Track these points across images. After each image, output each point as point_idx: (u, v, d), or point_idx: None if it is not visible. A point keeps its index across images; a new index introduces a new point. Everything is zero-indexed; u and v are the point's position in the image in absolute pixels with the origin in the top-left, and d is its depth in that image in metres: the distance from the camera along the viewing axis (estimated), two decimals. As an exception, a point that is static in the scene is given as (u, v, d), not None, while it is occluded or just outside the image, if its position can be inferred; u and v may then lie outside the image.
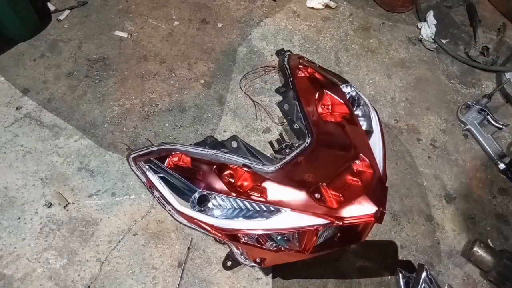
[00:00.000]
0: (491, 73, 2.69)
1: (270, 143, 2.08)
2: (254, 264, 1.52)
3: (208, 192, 1.35)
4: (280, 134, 2.14)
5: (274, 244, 1.36)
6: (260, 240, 1.36)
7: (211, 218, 1.31)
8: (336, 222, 1.23)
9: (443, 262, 1.94)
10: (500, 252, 1.89)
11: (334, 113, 1.74)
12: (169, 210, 1.38)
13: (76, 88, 2.19)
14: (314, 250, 1.32)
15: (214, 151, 1.60)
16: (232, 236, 1.30)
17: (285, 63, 2.18)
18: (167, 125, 2.13)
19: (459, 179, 2.21)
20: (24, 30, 2.30)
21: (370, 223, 1.31)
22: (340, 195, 1.30)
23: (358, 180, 1.36)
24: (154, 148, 1.58)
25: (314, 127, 1.75)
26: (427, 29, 2.73)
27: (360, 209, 1.24)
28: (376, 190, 1.34)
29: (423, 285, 1.60)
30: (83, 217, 1.82)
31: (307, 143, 1.69)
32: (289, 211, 1.27)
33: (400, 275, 1.70)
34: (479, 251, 1.87)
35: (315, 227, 1.25)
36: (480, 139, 2.32)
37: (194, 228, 1.38)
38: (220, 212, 1.34)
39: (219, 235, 1.31)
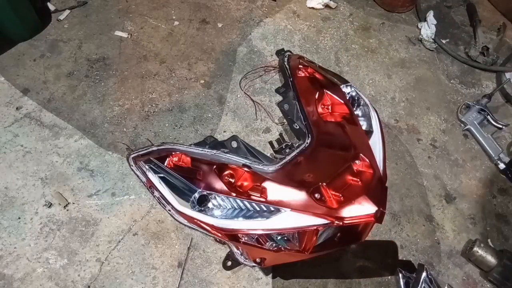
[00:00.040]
0: (491, 73, 2.69)
1: (270, 143, 2.08)
2: (254, 264, 1.52)
3: (208, 192, 1.35)
4: (280, 134, 2.14)
5: (274, 244, 1.36)
6: (260, 240, 1.36)
7: (211, 218, 1.31)
8: (336, 222, 1.23)
9: (443, 262, 1.94)
10: (500, 252, 1.89)
11: (334, 113, 1.74)
12: (169, 210, 1.38)
13: (76, 88, 2.19)
14: (314, 250, 1.32)
15: (214, 151, 1.60)
16: (232, 236, 1.30)
17: (285, 63, 2.18)
18: (167, 125, 2.13)
19: (459, 179, 2.21)
20: (24, 30, 2.30)
21: (370, 223, 1.31)
22: (340, 195, 1.30)
23: (358, 180, 1.36)
24: (154, 148, 1.58)
25: (314, 127, 1.75)
26: (427, 29, 2.73)
27: (360, 209, 1.24)
28: (376, 190, 1.34)
29: (423, 285, 1.59)
30: (83, 217, 1.82)
31: (307, 143, 1.69)
32: (289, 211, 1.27)
33: (400, 275, 1.70)
34: (479, 251, 1.87)
35: (315, 227, 1.25)
36: (480, 139, 2.32)
37: (194, 228, 1.38)
38: (220, 212, 1.34)
39: (219, 235, 1.31)
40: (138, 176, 1.51)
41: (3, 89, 2.13)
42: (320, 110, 1.78)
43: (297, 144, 1.80)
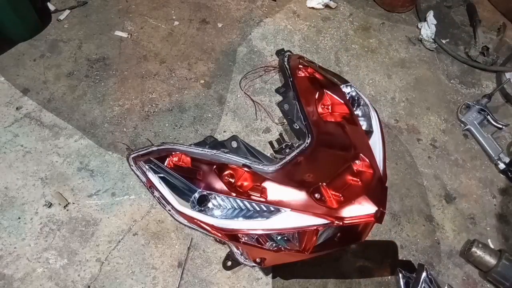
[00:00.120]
0: (491, 73, 2.69)
1: (270, 143, 2.08)
2: (254, 264, 1.52)
3: (208, 192, 1.35)
4: (280, 134, 2.14)
5: (274, 244, 1.36)
6: (260, 240, 1.36)
7: (211, 218, 1.31)
8: (336, 222, 1.23)
9: (443, 262, 1.94)
10: (499, 252, 1.89)
11: (334, 113, 1.75)
12: (169, 210, 1.38)
13: (76, 88, 2.19)
14: (314, 250, 1.32)
15: (214, 151, 1.60)
16: (232, 236, 1.30)
17: (285, 63, 2.18)
18: (167, 125, 2.13)
19: (459, 179, 2.21)
20: (24, 30, 2.30)
21: (370, 223, 1.31)
22: (340, 195, 1.30)
23: (358, 180, 1.36)
24: (154, 148, 1.58)
25: (314, 127, 1.75)
26: (427, 29, 2.73)
27: (360, 209, 1.24)
28: (376, 190, 1.34)
29: (423, 285, 1.59)
30: (83, 217, 1.82)
31: (307, 143, 1.69)
32: (289, 211, 1.27)
33: (400, 275, 1.70)
34: (477, 252, 1.87)
35: (315, 227, 1.25)
36: (480, 139, 2.32)
37: (194, 228, 1.38)
38: (220, 212, 1.34)
39: (219, 235, 1.31)
40: (138, 176, 1.51)
41: (3, 89, 2.13)
42: (320, 110, 1.78)
43: (297, 144, 1.80)
